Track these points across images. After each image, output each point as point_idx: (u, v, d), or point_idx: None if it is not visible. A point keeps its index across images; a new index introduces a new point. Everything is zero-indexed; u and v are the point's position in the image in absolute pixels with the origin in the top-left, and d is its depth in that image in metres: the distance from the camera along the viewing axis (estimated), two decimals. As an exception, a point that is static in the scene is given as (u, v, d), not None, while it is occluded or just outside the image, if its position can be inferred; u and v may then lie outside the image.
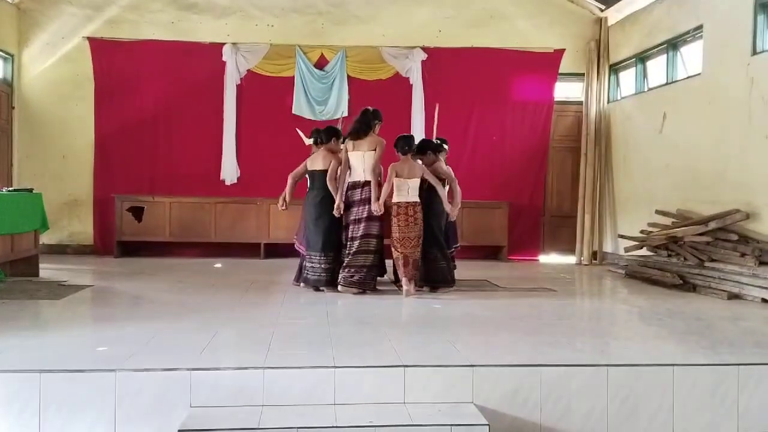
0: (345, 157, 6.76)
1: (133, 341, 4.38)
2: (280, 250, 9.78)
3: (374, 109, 6.79)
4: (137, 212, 9.93)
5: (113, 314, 5.63)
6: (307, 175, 7.02)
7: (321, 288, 6.76)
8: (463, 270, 7.58)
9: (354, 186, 6.70)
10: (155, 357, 3.99)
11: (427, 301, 6.36)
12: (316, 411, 3.63)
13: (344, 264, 6.65)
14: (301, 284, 6.90)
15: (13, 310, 5.58)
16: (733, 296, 6.74)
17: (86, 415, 3.62)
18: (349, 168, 6.77)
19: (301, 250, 7.09)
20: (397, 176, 6.60)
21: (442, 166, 7.07)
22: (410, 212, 6.60)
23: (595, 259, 10.36)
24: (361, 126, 6.68)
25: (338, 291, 6.62)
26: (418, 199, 6.65)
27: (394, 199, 6.64)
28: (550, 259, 10.75)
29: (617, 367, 3.99)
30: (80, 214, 10.36)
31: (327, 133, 7.01)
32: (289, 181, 7.07)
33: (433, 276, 6.85)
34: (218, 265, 9.19)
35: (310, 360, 3.98)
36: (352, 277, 6.58)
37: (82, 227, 10.38)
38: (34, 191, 7.89)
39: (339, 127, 7.35)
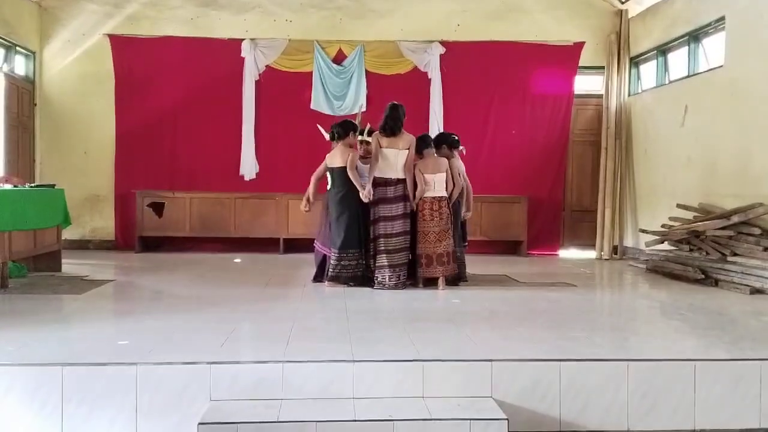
0: (376, 151, 6.67)
1: (153, 335, 4.42)
2: (299, 245, 9.79)
3: (399, 104, 6.74)
4: (158, 208, 10.00)
5: (134, 308, 5.68)
6: (327, 173, 6.94)
7: (350, 284, 6.72)
8: (482, 265, 7.56)
9: (387, 183, 6.64)
10: (176, 351, 4.03)
11: (445, 296, 6.35)
12: (334, 405, 3.64)
13: (382, 264, 6.60)
14: (326, 282, 6.79)
15: (36, 304, 5.66)
16: (756, 291, 6.65)
17: (107, 408, 3.66)
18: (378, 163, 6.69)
19: (324, 251, 6.98)
20: (422, 173, 6.70)
21: (456, 162, 7.03)
22: (434, 207, 6.68)
23: (616, 254, 10.29)
24: (396, 123, 6.62)
25: (372, 288, 6.60)
26: (444, 194, 6.73)
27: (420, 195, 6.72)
28: (570, 254, 10.67)
29: (637, 362, 3.97)
30: (102, 209, 10.45)
31: (344, 128, 6.91)
32: (312, 181, 7.08)
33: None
34: (238, 260, 9.25)
35: (329, 354, 3.99)
36: (392, 277, 6.58)
37: (103, 223, 10.47)
38: (56, 187, 7.98)
39: (357, 120, 7.30)
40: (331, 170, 6.85)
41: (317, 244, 7.10)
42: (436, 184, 6.71)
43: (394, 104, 6.72)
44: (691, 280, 7.37)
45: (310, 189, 7.09)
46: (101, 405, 3.65)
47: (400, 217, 6.64)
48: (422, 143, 6.85)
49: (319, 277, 7.01)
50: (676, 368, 3.94)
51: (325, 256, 6.96)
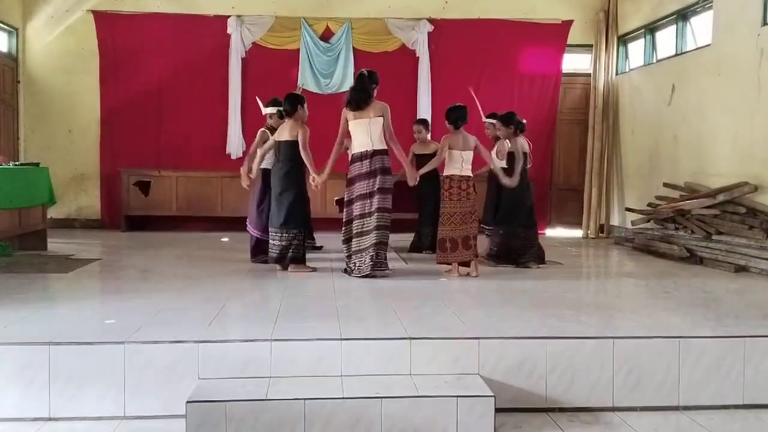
0: (343, 128, 6.23)
1: (141, 314, 4.41)
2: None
3: (369, 71, 6.16)
4: (144, 186, 9.95)
5: (121, 287, 5.66)
6: (274, 147, 6.40)
7: (280, 266, 6.35)
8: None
9: (361, 157, 6.04)
10: (163, 329, 4.01)
11: (433, 275, 6.35)
12: (323, 382, 3.66)
13: (358, 248, 6.05)
14: (269, 262, 6.46)
15: (21, 283, 5.62)
16: (741, 269, 6.72)
17: (95, 387, 3.65)
18: (350, 138, 6.27)
19: (255, 234, 6.75)
20: (450, 148, 6.30)
21: (517, 144, 6.80)
22: (463, 186, 6.27)
23: (602, 233, 10.35)
24: (362, 95, 6.00)
25: (349, 275, 6.14)
26: (471, 174, 6.38)
27: (446, 172, 6.32)
28: (556, 232, 10.73)
29: (623, 339, 4.00)
30: (87, 188, 10.39)
31: (290, 103, 6.27)
32: (258, 153, 6.57)
33: (520, 250, 6.87)
34: (225, 239, 9.22)
35: (317, 332, 3.99)
36: (373, 258, 5.99)
37: (89, 201, 10.42)
38: (40, 165, 7.90)
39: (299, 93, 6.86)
40: (277, 144, 6.33)
41: (249, 227, 6.88)
42: (464, 162, 6.31)
43: (361, 73, 6.15)
44: (677, 259, 7.44)
45: (255, 162, 6.58)
46: (89, 384, 3.64)
47: (377, 192, 6.00)
48: (457, 116, 6.37)
49: (256, 256, 6.81)
50: (661, 346, 3.97)
51: (257, 238, 6.77)
